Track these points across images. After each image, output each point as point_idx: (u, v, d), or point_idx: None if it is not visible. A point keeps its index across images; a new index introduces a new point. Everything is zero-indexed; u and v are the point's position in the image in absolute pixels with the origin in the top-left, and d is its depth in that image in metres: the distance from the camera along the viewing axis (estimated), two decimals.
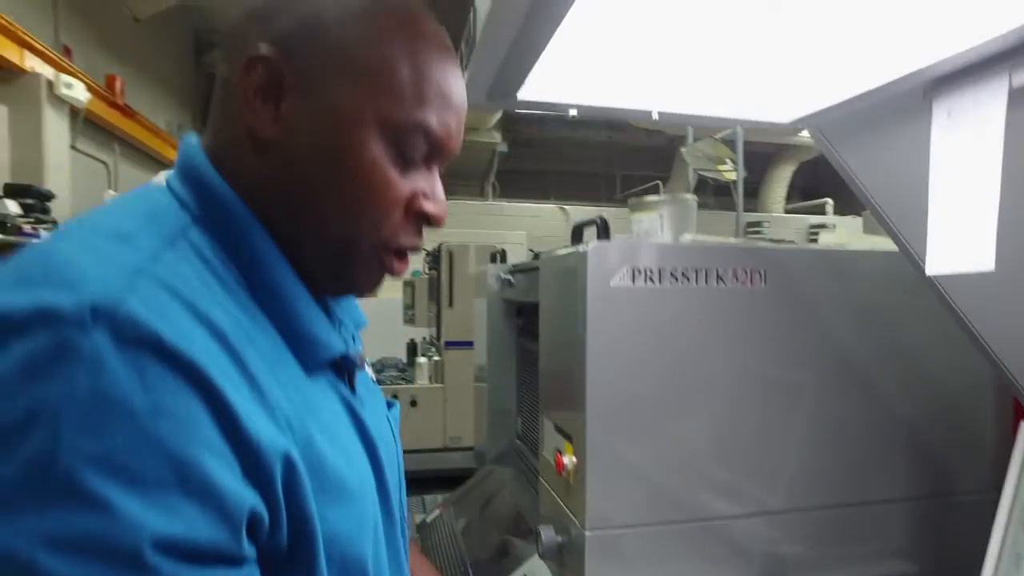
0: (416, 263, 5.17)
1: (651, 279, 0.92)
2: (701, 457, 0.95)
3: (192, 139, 0.53)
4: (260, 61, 0.48)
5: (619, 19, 0.59)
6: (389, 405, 0.71)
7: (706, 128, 4.41)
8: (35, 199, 3.44)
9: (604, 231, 1.01)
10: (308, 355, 0.50)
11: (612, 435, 0.92)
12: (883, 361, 1.02)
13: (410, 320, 4.71)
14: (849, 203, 7.68)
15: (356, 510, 0.50)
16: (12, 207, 3.22)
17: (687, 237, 1.00)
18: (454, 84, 0.53)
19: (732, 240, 0.98)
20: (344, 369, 0.56)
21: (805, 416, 0.99)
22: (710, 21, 0.60)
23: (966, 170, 0.62)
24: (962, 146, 0.62)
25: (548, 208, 7.62)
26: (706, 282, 0.95)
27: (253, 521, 0.40)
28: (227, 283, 0.46)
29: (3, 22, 3.27)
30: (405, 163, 0.51)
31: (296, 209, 0.50)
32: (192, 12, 5.11)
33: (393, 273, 0.55)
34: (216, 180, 0.49)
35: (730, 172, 5.48)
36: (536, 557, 1.15)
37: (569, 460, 0.96)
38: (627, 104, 0.73)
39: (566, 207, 7.57)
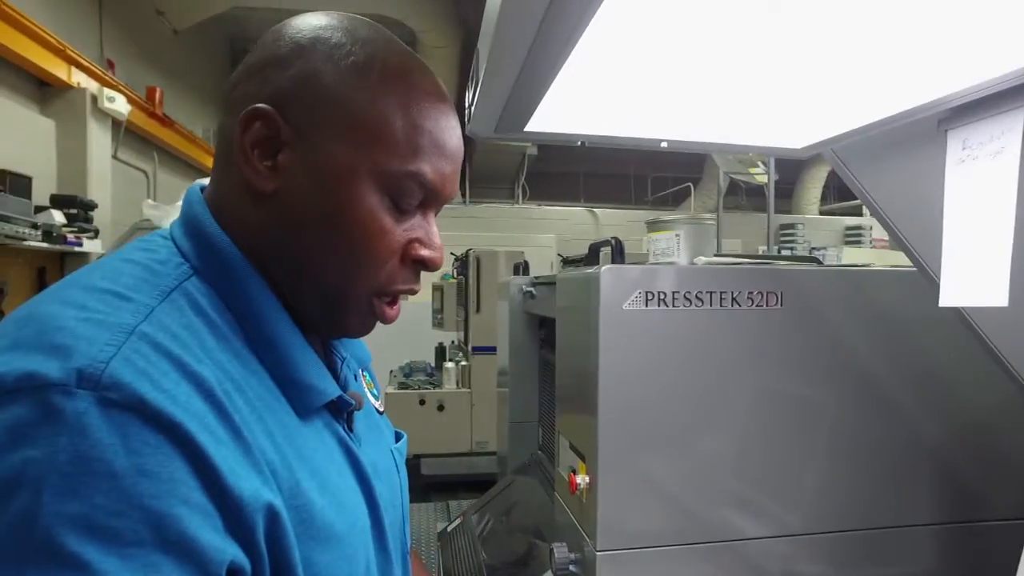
0: (445, 267, 5.22)
1: (664, 302, 0.93)
2: (715, 478, 0.95)
3: (196, 188, 0.55)
4: (257, 116, 0.50)
5: (626, 49, 0.59)
6: (398, 437, 0.72)
7: None
8: (79, 209, 3.57)
9: (619, 253, 1.01)
10: (301, 400, 0.51)
11: (624, 456, 0.92)
12: (907, 381, 1.00)
13: (439, 324, 4.75)
14: None
15: (345, 553, 0.51)
16: (58, 217, 3.34)
17: (701, 259, 1.00)
18: (447, 132, 0.54)
19: (746, 262, 0.97)
20: (341, 409, 0.56)
21: (825, 438, 0.98)
22: (719, 49, 0.60)
23: (981, 203, 0.61)
24: (976, 178, 0.62)
25: (578, 211, 7.60)
26: (720, 304, 0.95)
27: (234, 573, 0.42)
28: (222, 332, 0.48)
29: (53, 41, 3.41)
30: (400, 212, 0.53)
31: (293, 259, 0.52)
32: (228, 22, 5.24)
33: (384, 320, 0.56)
34: (216, 232, 0.51)
35: (762, 175, 5.40)
36: (549, 573, 1.17)
37: (582, 479, 0.97)
38: (636, 133, 0.74)
39: (596, 210, 7.54)
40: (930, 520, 1.01)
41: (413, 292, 0.56)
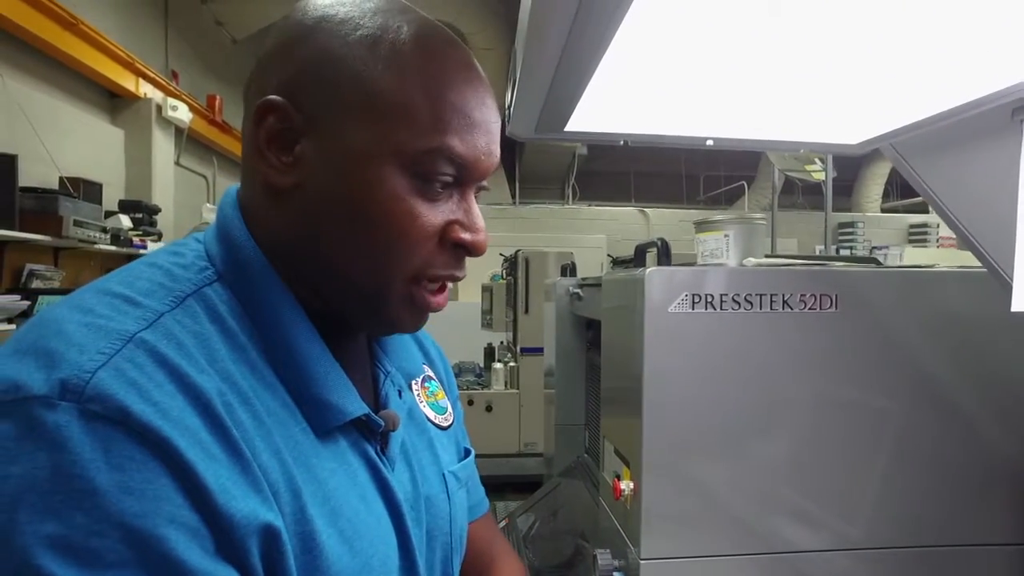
0: (496, 268, 5.23)
1: (711, 305, 0.90)
2: (765, 487, 0.92)
3: (232, 190, 0.53)
4: (269, 109, 0.47)
5: (669, 44, 0.57)
6: (465, 454, 0.69)
7: None
8: (144, 213, 3.74)
9: (665, 254, 0.99)
10: (318, 418, 0.48)
11: (670, 462, 0.90)
12: (976, 389, 0.94)
13: (488, 325, 4.77)
14: None
15: None
16: (125, 221, 3.51)
17: (751, 261, 0.97)
18: (475, 101, 0.49)
19: (798, 263, 0.94)
20: (372, 430, 0.53)
21: (883, 447, 0.94)
22: (767, 40, 0.57)
23: None
24: None
25: (628, 211, 7.52)
26: (771, 307, 0.91)
27: None
28: (238, 342, 0.46)
29: (123, 55, 3.58)
30: (433, 193, 0.48)
31: (323, 256, 0.49)
32: None
33: (430, 307, 0.52)
34: (241, 236, 0.49)
35: (819, 172, 5.22)
36: None
37: (626, 485, 0.95)
38: (680, 131, 0.72)
39: (646, 210, 7.44)
40: (1006, 540, 0.94)
41: (456, 279, 0.52)
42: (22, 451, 0.35)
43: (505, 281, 4.46)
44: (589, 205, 7.77)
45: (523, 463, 3.82)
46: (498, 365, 4.03)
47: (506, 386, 3.97)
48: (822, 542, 0.93)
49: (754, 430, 0.92)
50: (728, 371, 0.91)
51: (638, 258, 1.14)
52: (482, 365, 4.61)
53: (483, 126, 0.50)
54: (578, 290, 1.72)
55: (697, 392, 0.90)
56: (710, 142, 0.71)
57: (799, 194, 8.08)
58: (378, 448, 0.53)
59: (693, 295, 0.89)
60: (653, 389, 0.89)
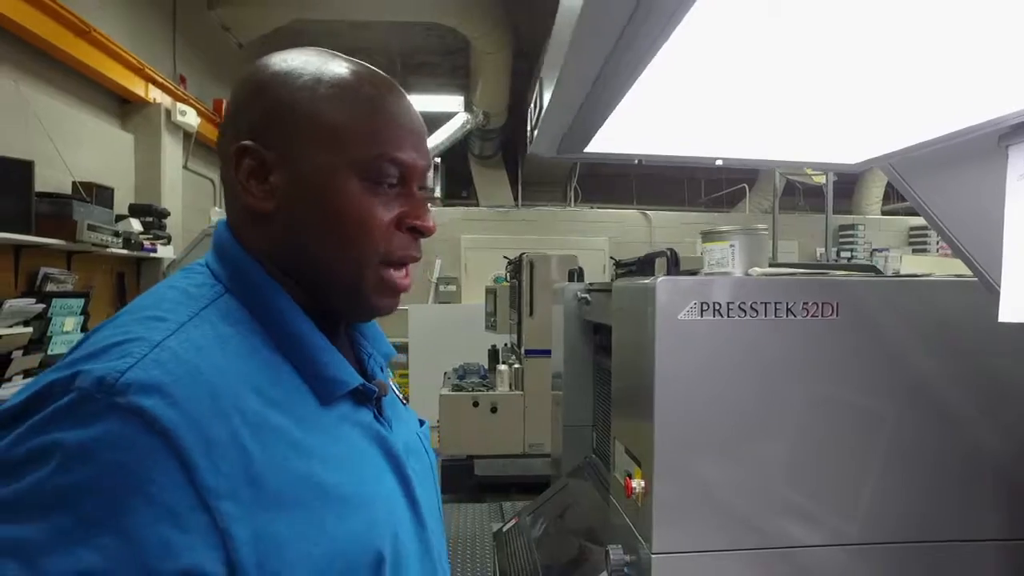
0: (499, 270, 5.28)
1: (719, 312, 0.95)
2: (770, 486, 0.97)
3: (223, 221, 0.65)
4: (243, 152, 0.58)
5: (682, 70, 0.62)
6: (421, 423, 0.79)
7: None
8: (154, 217, 3.79)
9: (674, 264, 1.04)
10: (324, 391, 0.59)
11: (680, 462, 0.95)
12: (969, 393, 0.99)
13: (492, 327, 4.81)
14: None
15: (367, 519, 0.57)
16: (136, 225, 3.56)
17: (756, 270, 1.02)
18: (401, 111, 0.61)
19: (800, 272, 0.99)
20: (367, 397, 0.63)
21: (882, 448, 0.99)
22: (774, 67, 0.62)
23: None
24: None
25: (630, 213, 7.55)
26: (775, 315, 0.96)
27: (195, 575, 0.46)
28: (252, 341, 0.56)
29: (134, 61, 3.63)
30: (384, 192, 0.60)
31: (308, 261, 0.60)
32: (290, 35, 5.45)
33: (400, 289, 0.63)
34: (239, 254, 0.60)
35: (819, 175, 5.27)
36: (604, 574, 1.20)
37: (637, 484, 1.00)
38: (691, 152, 0.77)
39: (648, 212, 7.48)
40: (994, 536, 0.99)
41: (415, 258, 0.63)
42: (63, 425, 0.46)
43: (509, 284, 4.50)
44: (591, 207, 7.80)
45: (528, 464, 3.85)
46: (503, 367, 4.07)
47: (511, 387, 4.01)
48: (823, 537, 0.98)
49: (759, 431, 0.97)
50: (734, 375, 0.96)
51: (646, 266, 1.19)
52: (486, 367, 4.65)
53: (412, 131, 0.62)
54: (586, 295, 1.77)
55: (705, 395, 0.95)
56: (719, 162, 0.76)
57: (800, 196, 8.12)
58: (375, 412, 0.64)
59: (701, 303, 0.94)
60: (664, 392, 0.94)
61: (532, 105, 0.69)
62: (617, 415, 1.19)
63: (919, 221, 7.67)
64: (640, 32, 0.38)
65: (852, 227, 7.40)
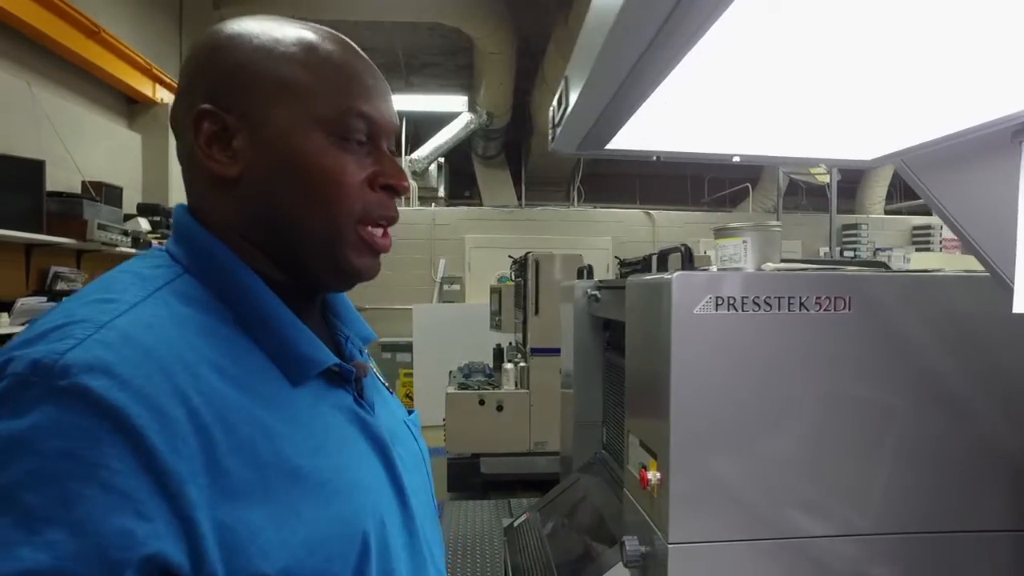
0: (503, 269, 5.30)
1: (733, 307, 0.96)
2: (784, 476, 0.98)
3: (180, 205, 0.61)
4: (203, 116, 0.55)
5: (700, 68, 0.64)
6: (409, 412, 0.76)
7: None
8: (161, 216, 3.81)
9: (688, 259, 1.05)
10: (296, 371, 0.55)
11: (695, 453, 0.97)
12: (979, 386, 1.01)
13: (496, 326, 4.84)
14: None
15: (349, 506, 0.53)
16: (144, 224, 3.58)
17: (769, 266, 1.04)
18: (365, 71, 0.59)
19: (813, 267, 1.00)
20: (344, 378, 0.60)
21: (895, 441, 1.00)
22: (791, 65, 0.63)
23: None
24: None
25: (634, 213, 7.57)
26: (788, 309, 0.98)
27: (158, 563, 0.42)
28: (212, 320, 0.52)
29: (141, 61, 3.65)
30: (353, 149, 0.57)
31: (279, 225, 0.57)
32: None
33: (378, 247, 0.60)
34: (198, 232, 0.57)
35: (823, 175, 5.29)
36: (620, 565, 1.21)
37: (653, 475, 1.02)
38: (709, 149, 0.78)
39: (652, 212, 7.50)
40: (1004, 526, 1.01)
41: (392, 219, 0.61)
42: None
43: (514, 283, 4.52)
44: (594, 207, 7.82)
45: (534, 461, 3.88)
46: (508, 365, 4.09)
47: (516, 386, 4.03)
48: (836, 528, 0.99)
49: (772, 424, 0.98)
50: (748, 368, 0.98)
51: (660, 262, 1.21)
52: (491, 365, 4.68)
53: (377, 90, 0.60)
54: (596, 292, 1.79)
55: (720, 388, 0.97)
56: (736, 159, 0.78)
57: (802, 196, 8.13)
58: (355, 395, 0.61)
59: (716, 298, 0.96)
60: (680, 385, 0.96)
61: (555, 103, 0.70)
62: (631, 409, 1.20)
63: (922, 220, 7.68)
64: (676, 30, 0.40)
65: (855, 226, 7.41)
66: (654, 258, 3.58)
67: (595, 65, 0.49)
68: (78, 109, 3.37)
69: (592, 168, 8.26)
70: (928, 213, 7.73)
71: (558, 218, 7.32)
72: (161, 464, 0.43)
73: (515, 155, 8.40)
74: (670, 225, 7.33)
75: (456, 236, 7.03)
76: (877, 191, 8.23)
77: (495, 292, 4.85)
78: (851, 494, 1.00)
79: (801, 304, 0.98)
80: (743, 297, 0.97)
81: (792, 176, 6.42)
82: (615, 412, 1.77)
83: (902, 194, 8.59)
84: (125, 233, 3.31)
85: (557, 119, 0.70)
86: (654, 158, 0.80)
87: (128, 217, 3.54)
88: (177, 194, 4.13)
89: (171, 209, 2.95)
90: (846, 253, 7.18)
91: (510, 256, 4.76)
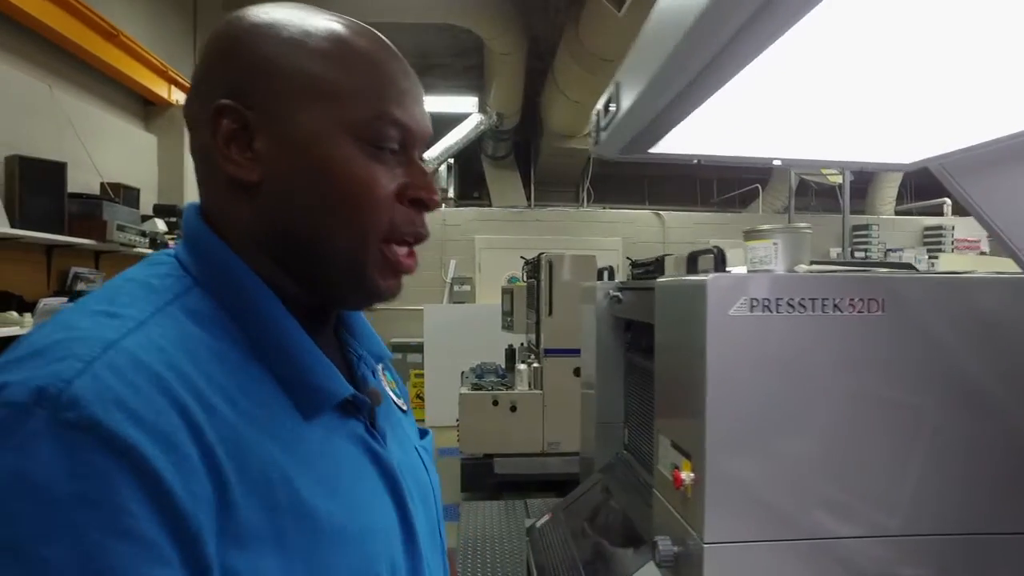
0: (516, 270, 5.31)
1: (768, 308, 0.97)
2: (818, 477, 0.99)
3: (192, 205, 0.55)
4: (222, 112, 0.50)
5: (751, 73, 0.64)
6: (423, 434, 0.71)
7: None
8: (177, 217, 3.84)
9: (721, 261, 1.06)
10: (308, 402, 0.51)
11: (731, 454, 0.97)
12: (1015, 389, 1.01)
13: (508, 327, 4.85)
14: None
15: (363, 553, 0.50)
16: (160, 225, 3.61)
17: (802, 268, 1.04)
18: (400, 73, 0.54)
19: (842, 269, 1.01)
20: (359, 408, 0.55)
21: (929, 442, 1.01)
22: (836, 71, 0.64)
23: None
24: None
25: (643, 214, 7.57)
26: (822, 311, 0.99)
27: None
28: (222, 342, 0.48)
29: (157, 63, 3.68)
30: (385, 158, 0.53)
31: (300, 237, 0.52)
32: None
33: (404, 268, 0.55)
34: (211, 241, 0.52)
35: (835, 175, 5.28)
36: (650, 564, 1.22)
37: (687, 476, 1.03)
38: (749, 152, 0.79)
39: (662, 212, 7.50)
40: None
41: (421, 237, 0.56)
42: None
43: (527, 284, 4.53)
44: (604, 208, 7.83)
45: (547, 462, 3.89)
46: (522, 366, 4.10)
47: (530, 387, 4.04)
48: (868, 529, 1.00)
49: (806, 424, 0.99)
50: (782, 369, 0.98)
51: (691, 264, 1.21)
52: (503, 366, 4.69)
53: (412, 94, 0.55)
54: (618, 294, 1.80)
55: (754, 389, 0.98)
56: (777, 162, 0.79)
57: (812, 196, 8.11)
58: (367, 424, 0.56)
59: (751, 299, 0.97)
60: (715, 387, 0.96)
61: (601, 108, 0.71)
62: (662, 410, 1.21)
63: (934, 221, 7.65)
64: (752, 35, 0.41)
65: (866, 227, 7.39)
66: (666, 259, 3.57)
67: (659, 70, 0.50)
68: (97, 111, 3.40)
69: (601, 169, 8.26)
70: (940, 213, 7.70)
71: (568, 219, 7.33)
72: (179, 508, 0.39)
73: (524, 155, 8.41)
74: (680, 226, 7.33)
75: (466, 237, 7.05)
76: (888, 191, 8.20)
77: (507, 293, 4.86)
78: (886, 495, 1.00)
79: (835, 306, 0.99)
80: (777, 299, 0.97)
81: (803, 176, 6.42)
82: (637, 412, 1.77)
83: (913, 194, 8.56)
84: (143, 234, 3.34)
85: (604, 123, 0.71)
86: (695, 161, 0.81)
87: (145, 218, 3.57)
88: (192, 195, 4.16)
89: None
90: (857, 254, 7.16)
91: (522, 257, 4.77)
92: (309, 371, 0.51)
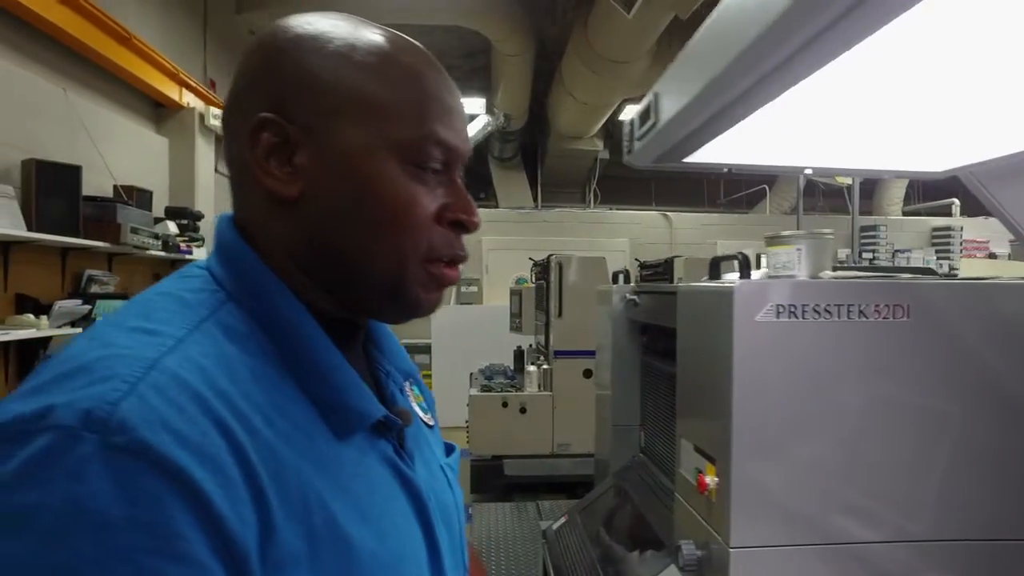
0: (523, 272, 5.31)
1: (794, 314, 0.98)
2: (845, 482, 1.00)
3: (225, 216, 0.55)
4: (263, 126, 0.49)
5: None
6: (450, 450, 0.69)
7: None
8: (188, 219, 3.86)
9: (746, 267, 1.07)
10: (342, 423, 0.50)
11: (756, 459, 0.98)
12: None
13: (516, 328, 4.86)
14: (978, 203, 7.12)
15: None
16: (172, 227, 3.63)
17: (827, 274, 1.05)
18: (446, 91, 0.54)
19: (866, 275, 1.01)
20: (389, 429, 0.55)
21: (955, 447, 1.01)
22: (873, 83, 0.65)
23: None
24: None
25: (650, 215, 7.57)
26: (848, 316, 0.99)
27: None
28: (258, 359, 0.47)
29: (168, 66, 3.70)
30: (427, 179, 0.52)
31: (338, 254, 0.51)
32: None
33: (445, 280, 0.55)
34: (247, 255, 0.51)
35: (844, 176, 5.27)
36: (671, 568, 1.22)
37: (712, 480, 1.03)
38: (781, 161, 0.80)
39: (669, 213, 7.49)
40: None
41: (459, 259, 0.55)
42: (43, 478, 0.36)
43: (535, 285, 4.54)
44: (610, 209, 7.83)
45: (556, 464, 3.89)
46: (532, 368, 4.11)
47: (539, 388, 4.05)
48: (892, 535, 1.00)
49: (832, 429, 0.99)
50: (808, 375, 0.99)
51: (714, 270, 1.22)
52: (512, 367, 4.69)
53: (457, 112, 0.54)
54: (635, 297, 1.81)
55: (780, 394, 0.98)
56: (808, 171, 0.79)
57: (819, 197, 8.11)
58: (395, 445, 0.55)
59: (777, 306, 0.97)
60: (741, 392, 0.97)
61: (637, 118, 0.72)
62: (684, 414, 1.22)
63: (942, 222, 7.63)
64: (807, 56, 0.41)
65: (874, 228, 7.38)
66: (675, 260, 3.57)
67: (708, 85, 0.50)
68: (109, 114, 3.42)
69: (608, 170, 8.26)
70: (948, 214, 7.68)
71: (575, 220, 7.34)
72: (228, 532, 0.39)
73: (531, 157, 8.42)
74: (687, 227, 7.33)
75: (473, 238, 7.01)
76: (895, 192, 8.18)
77: (515, 294, 4.87)
78: (912, 500, 1.00)
79: (860, 312, 0.99)
80: (803, 305, 0.98)
81: (811, 177, 6.41)
82: (654, 416, 1.78)
83: (920, 195, 8.53)
84: (155, 236, 3.36)
85: (639, 133, 0.71)
86: (725, 170, 0.81)
87: (157, 220, 3.59)
88: (202, 197, 4.18)
89: (197, 212, 2.95)
90: (864, 255, 7.15)
91: (531, 258, 4.77)
92: (343, 391, 0.50)
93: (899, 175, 0.84)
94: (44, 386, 0.39)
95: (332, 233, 0.51)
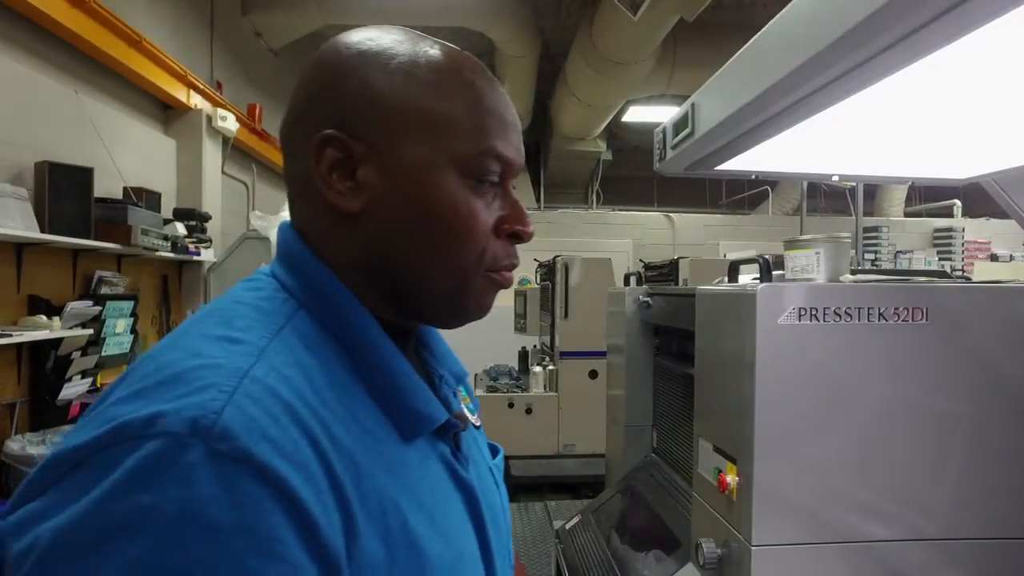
0: (527, 272, 5.33)
1: (816, 317, 1.00)
2: (865, 482, 1.01)
3: (286, 224, 0.56)
4: (327, 142, 0.51)
5: None
6: (494, 451, 0.71)
7: None
8: (197, 221, 3.87)
9: (767, 270, 1.09)
10: (409, 427, 0.52)
11: (777, 458, 1.00)
12: None
13: (521, 329, 4.88)
14: (979, 204, 7.17)
15: None
16: (180, 229, 3.64)
17: (847, 277, 1.07)
18: (503, 105, 0.55)
19: (885, 279, 1.03)
20: (448, 431, 0.56)
21: (973, 448, 1.03)
22: (903, 95, 0.66)
23: None
24: None
25: (653, 216, 7.59)
26: (868, 319, 1.01)
27: None
28: (331, 366, 0.49)
29: (176, 67, 3.72)
30: (483, 191, 0.53)
31: (400, 267, 0.53)
32: (321, 40, 5.54)
33: (503, 285, 0.57)
34: (313, 264, 0.53)
35: (871, 183, 5.29)
36: (689, 566, 1.24)
37: (732, 479, 1.05)
38: (809, 169, 0.82)
39: (672, 214, 7.51)
40: None
41: (513, 267, 0.57)
42: (156, 482, 0.37)
43: (540, 286, 4.56)
44: (613, 210, 7.85)
45: (562, 464, 3.91)
46: (537, 369, 4.13)
47: (545, 389, 4.07)
48: (911, 533, 1.02)
49: (851, 430, 1.01)
50: (829, 377, 1.01)
51: (732, 273, 1.24)
52: (516, 368, 4.71)
53: (513, 125, 0.55)
54: (647, 299, 1.83)
55: (801, 395, 1.00)
56: (835, 178, 0.81)
57: (821, 199, 8.13)
58: (453, 448, 0.57)
59: (799, 309, 0.99)
60: (764, 393, 0.99)
61: (671, 127, 0.74)
62: (703, 415, 1.24)
63: (943, 223, 7.65)
64: (858, 75, 0.43)
65: (876, 229, 7.40)
66: (680, 261, 3.57)
67: (755, 99, 0.52)
68: (119, 115, 3.44)
69: (611, 171, 8.28)
70: (950, 215, 7.70)
71: (578, 221, 7.36)
72: (323, 538, 0.40)
73: (534, 158, 8.43)
74: (690, 228, 7.35)
75: None
76: (897, 193, 8.20)
77: (520, 295, 4.89)
78: (930, 500, 1.02)
79: (880, 314, 1.01)
80: (824, 308, 1.00)
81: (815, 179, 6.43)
82: (667, 416, 1.80)
83: (921, 196, 8.56)
84: (165, 238, 3.37)
85: (673, 142, 0.73)
86: (753, 177, 0.83)
87: (166, 222, 3.60)
88: (209, 199, 4.19)
89: (205, 214, 2.95)
90: (867, 256, 7.17)
91: (536, 259, 4.79)
92: (411, 396, 0.52)
93: (921, 182, 0.86)
94: (144, 393, 0.41)
95: (394, 246, 0.52)
